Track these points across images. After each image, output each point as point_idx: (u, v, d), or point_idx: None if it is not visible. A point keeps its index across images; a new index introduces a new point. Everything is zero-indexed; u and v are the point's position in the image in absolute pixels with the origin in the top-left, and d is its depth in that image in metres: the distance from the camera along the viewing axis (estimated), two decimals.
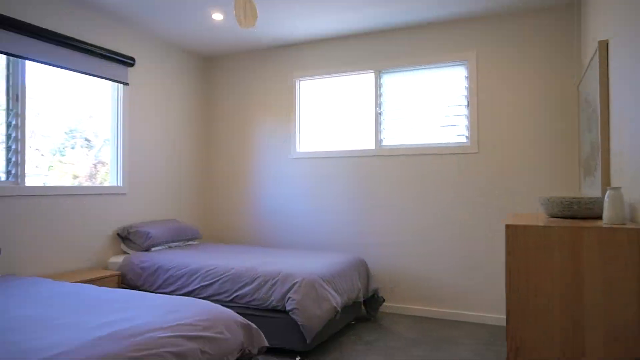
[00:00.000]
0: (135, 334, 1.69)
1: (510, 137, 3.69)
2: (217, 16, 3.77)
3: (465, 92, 3.86)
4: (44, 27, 3.30)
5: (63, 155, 3.65)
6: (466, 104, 3.85)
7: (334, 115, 4.40)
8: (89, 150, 3.84)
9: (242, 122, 4.84)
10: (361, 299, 3.53)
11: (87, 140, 3.84)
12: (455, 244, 3.84)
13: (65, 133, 3.66)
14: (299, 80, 4.56)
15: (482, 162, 3.77)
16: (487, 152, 3.76)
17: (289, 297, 2.86)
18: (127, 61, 3.91)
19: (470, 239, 3.80)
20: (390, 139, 4.14)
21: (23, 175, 3.22)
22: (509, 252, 1.70)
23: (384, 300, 3.80)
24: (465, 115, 3.86)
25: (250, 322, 2.18)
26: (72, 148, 3.72)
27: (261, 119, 4.73)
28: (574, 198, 1.90)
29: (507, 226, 1.70)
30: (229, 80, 4.93)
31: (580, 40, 3.40)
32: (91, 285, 2.55)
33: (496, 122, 3.74)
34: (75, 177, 3.72)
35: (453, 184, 3.87)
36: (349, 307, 3.43)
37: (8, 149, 3.17)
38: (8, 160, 3.17)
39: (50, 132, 3.52)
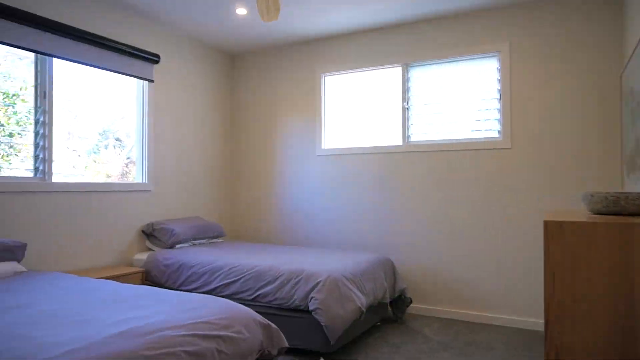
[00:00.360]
0: (150, 331, 1.63)
1: (545, 131, 3.50)
2: (241, 11, 3.73)
3: (497, 85, 3.68)
4: (70, 24, 3.33)
5: (97, 154, 3.73)
6: (498, 97, 3.67)
7: (360, 111, 4.29)
8: (120, 150, 3.89)
9: (266, 119, 4.79)
10: (387, 300, 3.41)
11: (118, 140, 3.88)
12: (488, 243, 3.67)
13: (99, 134, 3.73)
14: (325, 76, 4.47)
15: (516, 157, 3.59)
16: (520, 148, 3.58)
17: (312, 297, 2.77)
18: (153, 58, 3.91)
19: (503, 238, 3.62)
20: (418, 134, 4.00)
21: (50, 172, 3.25)
22: (548, 251, 1.56)
23: (411, 301, 3.66)
24: (497, 109, 3.68)
25: (270, 322, 2.11)
26: (105, 148, 3.79)
27: (286, 115, 4.67)
28: (621, 193, 1.73)
29: (547, 222, 1.56)
30: (254, 76, 4.88)
31: (624, 27, 3.18)
32: (113, 282, 2.54)
33: (531, 116, 3.55)
34: (108, 176, 3.79)
35: (484, 181, 3.70)
36: (375, 308, 3.31)
37: (36, 145, 3.21)
38: (36, 157, 3.21)
39: (86, 134, 3.62)
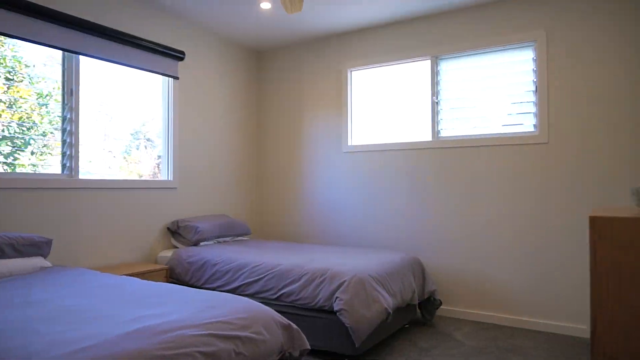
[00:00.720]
0: (165, 330, 1.57)
1: (586, 124, 3.28)
2: (265, 5, 3.66)
3: (532, 77, 3.49)
4: (95, 22, 3.35)
5: (129, 154, 3.79)
6: (534, 89, 3.47)
7: (388, 107, 4.16)
8: (151, 150, 3.92)
9: (292, 116, 4.72)
10: (416, 301, 3.28)
11: (149, 140, 3.91)
12: (526, 243, 3.48)
13: (131, 134, 3.77)
14: (351, 71, 4.36)
15: (553, 152, 3.39)
16: (558, 142, 3.37)
17: (337, 297, 2.67)
18: (178, 55, 3.90)
19: (541, 237, 3.42)
20: (449, 130, 3.84)
21: (77, 169, 3.27)
22: (595, 251, 1.41)
23: (441, 303, 3.51)
24: (532, 102, 3.49)
25: (290, 322, 2.02)
26: (137, 148, 3.83)
27: (312, 112, 4.58)
28: None
29: (594, 219, 1.41)
30: (279, 73, 4.82)
31: None
32: (135, 279, 2.51)
33: (569, 108, 3.34)
34: (140, 175, 3.84)
35: (519, 177, 3.51)
36: (403, 310, 3.18)
37: (63, 142, 3.23)
38: (63, 154, 3.23)
39: (120, 135, 3.68)
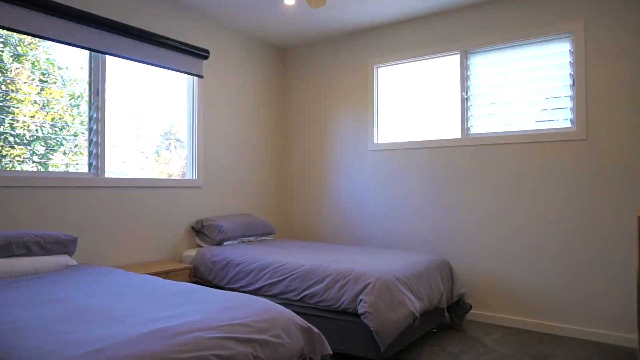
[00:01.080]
0: (183, 332, 1.53)
1: (627, 119, 3.08)
2: (289, 1, 3.61)
3: (570, 70, 3.31)
4: (122, 21, 3.37)
5: (159, 155, 3.84)
6: (571, 83, 3.29)
7: (415, 103, 4.04)
8: (181, 150, 3.95)
9: (318, 114, 4.66)
10: (444, 305, 3.15)
11: (178, 140, 3.94)
12: (559, 245, 3.31)
13: (161, 135, 3.82)
14: (378, 67, 4.27)
15: (592, 149, 3.20)
16: (597, 138, 3.18)
17: (361, 299, 2.58)
18: (202, 54, 3.89)
19: (577, 238, 3.24)
20: (479, 127, 3.69)
21: (103, 167, 3.30)
22: None
23: (470, 307, 3.37)
24: (569, 96, 3.31)
25: (311, 326, 1.95)
26: (167, 149, 3.87)
27: (338, 109, 4.51)
28: None
29: None
30: (305, 70, 4.77)
31: None
32: (158, 278, 2.49)
33: (609, 103, 3.14)
34: (170, 175, 3.88)
35: (554, 175, 3.33)
36: (430, 313, 3.07)
37: (90, 141, 3.26)
38: (90, 153, 3.27)
39: (151, 136, 3.74)
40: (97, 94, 3.29)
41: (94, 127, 3.28)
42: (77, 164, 3.20)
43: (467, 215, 3.69)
